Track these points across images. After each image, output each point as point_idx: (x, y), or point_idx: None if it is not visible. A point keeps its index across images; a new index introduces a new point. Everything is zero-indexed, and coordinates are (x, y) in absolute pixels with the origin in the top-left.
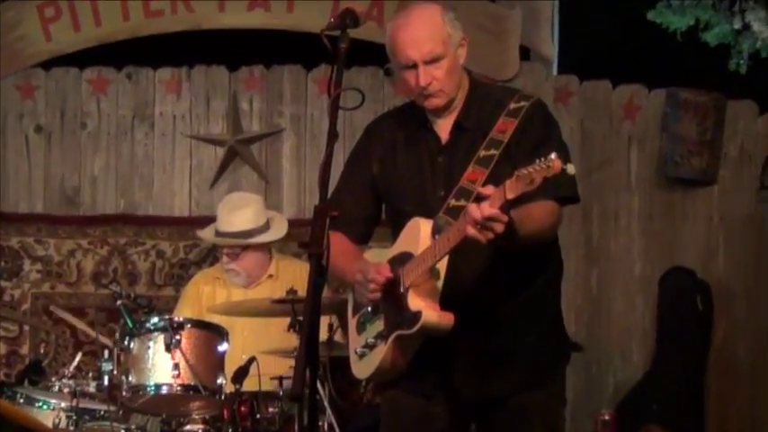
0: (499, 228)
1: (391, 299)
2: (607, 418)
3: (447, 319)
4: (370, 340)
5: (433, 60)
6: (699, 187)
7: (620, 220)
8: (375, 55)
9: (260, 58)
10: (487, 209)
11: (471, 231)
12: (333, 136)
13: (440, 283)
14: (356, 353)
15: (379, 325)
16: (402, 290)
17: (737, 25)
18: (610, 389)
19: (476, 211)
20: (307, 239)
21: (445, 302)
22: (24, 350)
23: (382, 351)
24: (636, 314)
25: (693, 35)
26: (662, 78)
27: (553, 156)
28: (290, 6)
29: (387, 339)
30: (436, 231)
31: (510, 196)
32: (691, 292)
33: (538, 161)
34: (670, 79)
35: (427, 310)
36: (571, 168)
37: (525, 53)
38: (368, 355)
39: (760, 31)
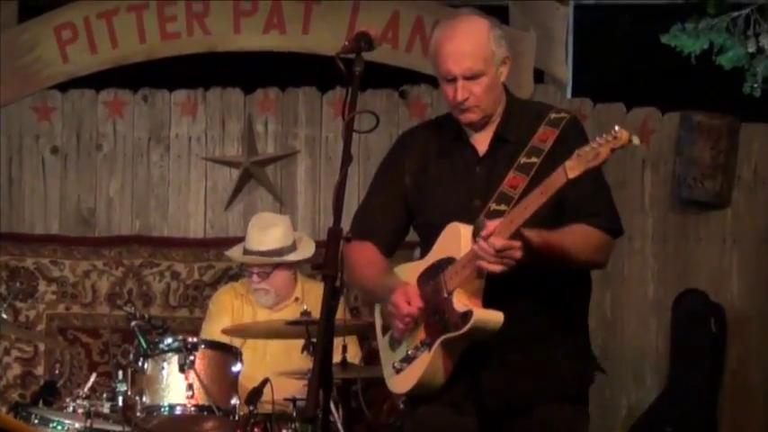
0: (516, 254)
1: (431, 307)
2: None
3: (496, 316)
4: (410, 352)
5: (472, 77)
6: (712, 210)
7: (634, 243)
8: (390, 78)
9: (275, 81)
10: (498, 242)
11: (495, 269)
12: (347, 159)
13: (483, 285)
14: (393, 368)
15: (418, 335)
16: (445, 294)
17: (752, 49)
18: (623, 411)
19: (486, 247)
20: (321, 261)
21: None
22: (39, 371)
23: (426, 360)
24: (649, 336)
25: (707, 58)
26: (676, 101)
27: (618, 127)
28: (305, 29)
29: (431, 347)
30: (476, 234)
31: (572, 175)
32: (704, 315)
33: (599, 137)
34: (684, 102)
35: (477, 309)
36: (636, 139)
37: (539, 76)
38: (407, 369)
39: None
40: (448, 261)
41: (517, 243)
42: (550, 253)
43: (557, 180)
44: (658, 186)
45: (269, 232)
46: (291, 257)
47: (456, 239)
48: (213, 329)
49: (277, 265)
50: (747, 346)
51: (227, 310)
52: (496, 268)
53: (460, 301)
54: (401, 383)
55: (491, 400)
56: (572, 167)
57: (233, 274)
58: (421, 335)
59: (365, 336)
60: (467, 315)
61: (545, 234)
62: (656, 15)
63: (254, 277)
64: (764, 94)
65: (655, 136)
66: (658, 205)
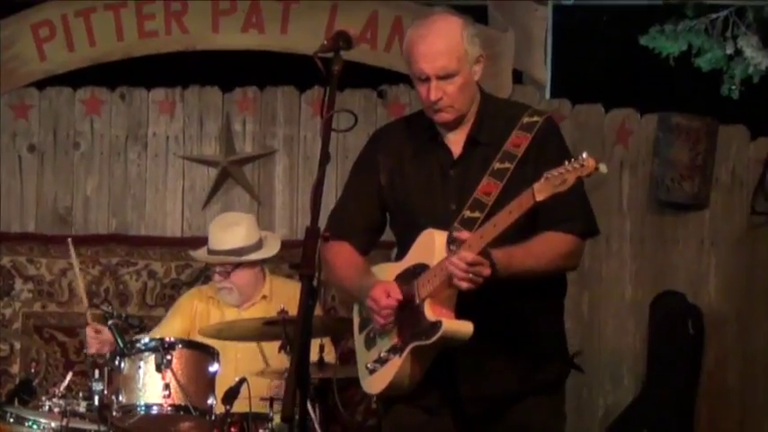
0: (485, 271)
1: (404, 312)
2: None
3: (466, 327)
4: (383, 354)
5: (446, 76)
6: (690, 211)
7: (612, 244)
8: (368, 77)
9: (253, 80)
10: (470, 256)
11: (463, 285)
12: (325, 158)
13: (455, 293)
14: (367, 368)
15: (391, 339)
16: (417, 301)
17: (730, 51)
18: (600, 412)
19: (458, 263)
20: (298, 260)
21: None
22: (15, 369)
23: (396, 364)
24: (627, 338)
25: (686, 60)
26: (654, 103)
27: (585, 155)
28: (283, 28)
29: (402, 352)
30: (451, 242)
31: (539, 198)
32: (682, 316)
33: (567, 162)
34: (662, 104)
35: (447, 320)
36: (603, 167)
37: (518, 76)
38: (379, 370)
39: (752, 57)
40: (422, 267)
41: (486, 261)
42: (516, 271)
43: (525, 201)
44: (636, 188)
45: (229, 231)
46: (252, 257)
47: (430, 246)
48: (162, 331)
49: (239, 264)
50: (724, 347)
51: (183, 313)
52: (465, 285)
53: (431, 310)
54: (373, 384)
55: (467, 405)
56: (540, 190)
57: (210, 273)
58: (394, 338)
59: (340, 337)
60: (436, 325)
61: (511, 252)
62: (635, 17)
63: (216, 276)
64: (742, 96)
65: (633, 137)
66: (636, 207)
